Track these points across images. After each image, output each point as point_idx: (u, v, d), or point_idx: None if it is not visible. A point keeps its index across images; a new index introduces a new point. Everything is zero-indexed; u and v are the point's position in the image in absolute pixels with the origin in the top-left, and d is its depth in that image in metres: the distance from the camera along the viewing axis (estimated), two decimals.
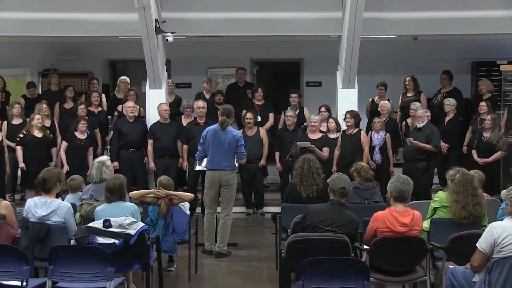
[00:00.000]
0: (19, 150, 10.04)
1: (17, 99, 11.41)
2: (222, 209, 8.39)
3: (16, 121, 10.51)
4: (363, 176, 7.53)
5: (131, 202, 6.64)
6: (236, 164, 8.81)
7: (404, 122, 10.75)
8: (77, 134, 10.24)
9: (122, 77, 12.03)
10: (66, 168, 9.98)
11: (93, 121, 10.71)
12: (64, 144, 10.28)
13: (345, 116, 10.12)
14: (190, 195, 7.55)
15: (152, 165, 10.44)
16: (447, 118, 10.58)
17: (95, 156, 9.73)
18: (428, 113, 10.02)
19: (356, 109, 10.44)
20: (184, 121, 10.75)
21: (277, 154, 10.53)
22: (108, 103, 11.84)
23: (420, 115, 9.90)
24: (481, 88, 11.14)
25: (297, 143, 9.75)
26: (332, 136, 10.14)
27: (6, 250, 5.52)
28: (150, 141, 10.45)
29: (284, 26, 10.86)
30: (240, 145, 8.26)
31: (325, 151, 9.85)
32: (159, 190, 7.20)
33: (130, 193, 7.38)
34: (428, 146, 9.73)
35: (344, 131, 10.13)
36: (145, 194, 7.39)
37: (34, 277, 5.86)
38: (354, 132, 10.02)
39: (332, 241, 5.58)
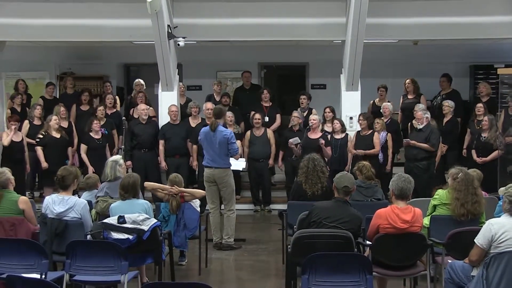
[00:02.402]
0: (39, 150, 10.08)
1: (36, 101, 11.48)
2: (225, 206, 8.49)
3: (38, 122, 10.56)
4: (365, 174, 7.52)
5: (144, 199, 6.66)
6: (244, 165, 8.83)
7: (410, 123, 10.70)
8: (92, 134, 10.28)
9: (137, 80, 12.06)
10: (91, 169, 9.97)
11: (111, 122, 10.76)
12: (84, 147, 10.31)
13: (358, 118, 10.12)
14: (201, 192, 7.58)
15: (163, 164, 10.45)
16: (445, 120, 10.54)
17: (112, 155, 9.76)
18: (427, 115, 9.97)
19: (359, 110, 10.44)
20: (192, 122, 10.73)
21: (281, 153, 10.53)
22: (124, 105, 11.86)
23: (419, 116, 9.87)
24: (481, 90, 11.07)
25: (289, 141, 9.76)
26: (337, 136, 10.12)
27: (26, 245, 5.56)
28: (161, 142, 10.47)
29: (290, 31, 10.87)
30: (231, 142, 8.30)
31: (328, 150, 9.85)
32: (173, 188, 7.21)
33: (145, 183, 7.51)
34: (425, 145, 9.70)
35: (358, 132, 10.12)
36: (158, 187, 7.41)
37: (52, 270, 5.88)
38: (368, 133, 9.98)
39: (336, 237, 5.58)
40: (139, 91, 11.27)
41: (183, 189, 7.30)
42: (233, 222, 8.42)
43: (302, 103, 11.10)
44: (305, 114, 10.82)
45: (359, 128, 10.17)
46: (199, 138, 8.53)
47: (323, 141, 9.66)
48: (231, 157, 8.47)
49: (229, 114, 10.33)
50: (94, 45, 12.54)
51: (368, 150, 9.79)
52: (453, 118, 10.58)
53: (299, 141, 9.79)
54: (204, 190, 8.54)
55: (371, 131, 10.00)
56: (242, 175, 10.68)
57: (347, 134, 10.18)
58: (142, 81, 11.93)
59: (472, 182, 6.38)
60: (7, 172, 6.50)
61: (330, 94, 12.49)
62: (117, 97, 11.83)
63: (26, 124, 10.48)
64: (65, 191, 6.27)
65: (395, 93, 11.65)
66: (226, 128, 8.67)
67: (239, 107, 11.58)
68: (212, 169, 8.33)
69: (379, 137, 10.00)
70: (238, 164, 9.05)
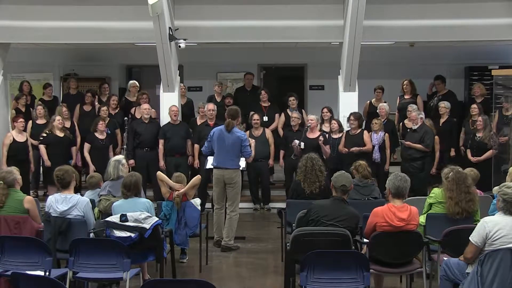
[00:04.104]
0: (42, 148, 10.10)
1: (36, 103, 11.51)
2: (228, 206, 8.39)
3: (40, 121, 10.58)
4: (361, 172, 7.53)
5: (145, 197, 6.66)
6: (243, 164, 8.79)
7: (401, 123, 10.72)
8: (97, 134, 10.29)
9: (132, 82, 12.07)
10: (92, 168, 10.00)
11: (114, 122, 10.75)
12: (87, 145, 10.33)
13: (349, 117, 10.10)
14: (197, 178, 7.55)
15: (161, 163, 10.41)
16: (441, 120, 10.55)
17: (115, 155, 9.75)
18: (422, 115, 9.99)
19: (356, 110, 10.42)
20: (199, 121, 10.79)
21: (281, 152, 10.53)
22: (120, 106, 11.84)
23: (414, 118, 9.90)
24: (475, 91, 11.08)
25: (294, 141, 9.77)
26: (334, 136, 10.14)
27: (30, 243, 5.56)
28: (161, 141, 10.45)
29: (289, 33, 10.86)
30: (244, 145, 8.25)
31: (327, 148, 9.86)
32: (180, 187, 7.22)
33: (158, 172, 7.64)
34: (419, 146, 9.71)
35: (348, 131, 10.12)
36: (167, 182, 7.37)
37: (56, 267, 5.87)
38: (357, 132, 10.00)
39: (334, 234, 5.57)
40: (143, 93, 11.27)
41: (183, 190, 7.29)
42: (235, 224, 8.34)
43: (292, 104, 11.11)
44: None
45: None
46: (210, 135, 8.38)
47: (322, 138, 9.67)
48: (246, 159, 8.42)
49: None
50: (97, 47, 12.56)
51: (362, 148, 9.82)
52: (450, 118, 10.59)
53: (298, 143, 9.79)
54: (204, 189, 8.54)
55: (360, 130, 10.01)
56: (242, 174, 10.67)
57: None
58: (137, 83, 11.95)
59: (464, 181, 6.36)
60: (15, 171, 6.50)
61: (328, 95, 12.49)
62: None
63: (29, 124, 10.49)
64: (67, 190, 6.27)
65: (391, 94, 11.66)
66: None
67: (239, 107, 11.56)
68: (222, 170, 8.24)
69: (369, 135, 10.02)
70: None
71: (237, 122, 10.09)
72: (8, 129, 11.00)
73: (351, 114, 10.11)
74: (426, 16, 10.59)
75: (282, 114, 11.23)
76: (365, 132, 10.07)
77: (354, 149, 9.81)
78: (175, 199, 7.19)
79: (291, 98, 11.14)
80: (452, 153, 10.50)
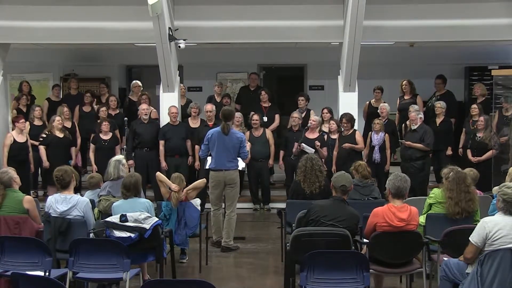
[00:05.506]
0: (42, 149, 10.11)
1: (41, 102, 11.51)
2: (227, 206, 8.37)
3: (37, 122, 10.58)
4: (361, 173, 7.54)
5: (145, 198, 6.67)
6: (242, 165, 8.79)
7: (404, 124, 10.71)
8: (101, 135, 10.31)
9: (134, 82, 12.04)
10: (94, 168, 10.02)
11: (113, 123, 10.74)
12: (92, 146, 10.39)
13: (341, 119, 10.09)
14: (202, 181, 7.58)
15: (163, 164, 10.41)
16: (438, 120, 10.56)
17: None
18: (421, 115, 9.99)
19: (356, 111, 10.43)
20: (191, 122, 10.72)
21: (281, 153, 10.53)
22: (124, 106, 11.85)
23: (413, 118, 9.90)
24: (476, 91, 11.09)
25: (302, 144, 9.76)
26: (333, 136, 10.16)
27: (30, 243, 5.57)
28: (161, 142, 10.43)
29: (289, 33, 10.85)
30: (243, 146, 8.22)
31: (324, 150, 9.87)
32: (176, 188, 7.22)
33: (158, 173, 7.59)
34: (419, 145, 9.72)
35: (340, 132, 10.13)
36: (167, 182, 7.36)
37: (56, 268, 5.88)
38: (350, 133, 10.02)
39: (334, 235, 5.58)
40: (142, 93, 11.26)
41: (186, 189, 7.30)
42: (234, 224, 8.33)
43: (300, 104, 11.10)
44: (303, 114, 10.82)
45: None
46: (207, 137, 8.29)
47: (318, 143, 9.68)
48: (243, 160, 8.42)
49: (237, 115, 10.31)
50: (97, 47, 12.55)
51: (354, 145, 9.86)
52: (446, 118, 10.60)
53: (299, 144, 9.79)
54: (204, 190, 8.50)
55: (352, 130, 10.03)
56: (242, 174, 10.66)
57: None
58: (139, 83, 11.93)
59: (464, 180, 6.38)
60: (10, 171, 6.48)
61: (328, 95, 12.50)
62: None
63: (27, 125, 10.48)
64: (67, 190, 6.28)
65: (392, 94, 11.66)
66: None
67: (242, 106, 11.57)
68: (222, 172, 8.18)
69: (361, 135, 10.07)
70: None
71: (237, 123, 10.12)
72: (8, 129, 11.00)
73: (342, 116, 10.10)
74: (426, 16, 10.58)
75: (291, 115, 11.13)
76: (357, 132, 10.10)
77: (345, 145, 9.84)
78: (173, 197, 7.18)
79: (301, 98, 11.13)
80: (449, 151, 10.52)
